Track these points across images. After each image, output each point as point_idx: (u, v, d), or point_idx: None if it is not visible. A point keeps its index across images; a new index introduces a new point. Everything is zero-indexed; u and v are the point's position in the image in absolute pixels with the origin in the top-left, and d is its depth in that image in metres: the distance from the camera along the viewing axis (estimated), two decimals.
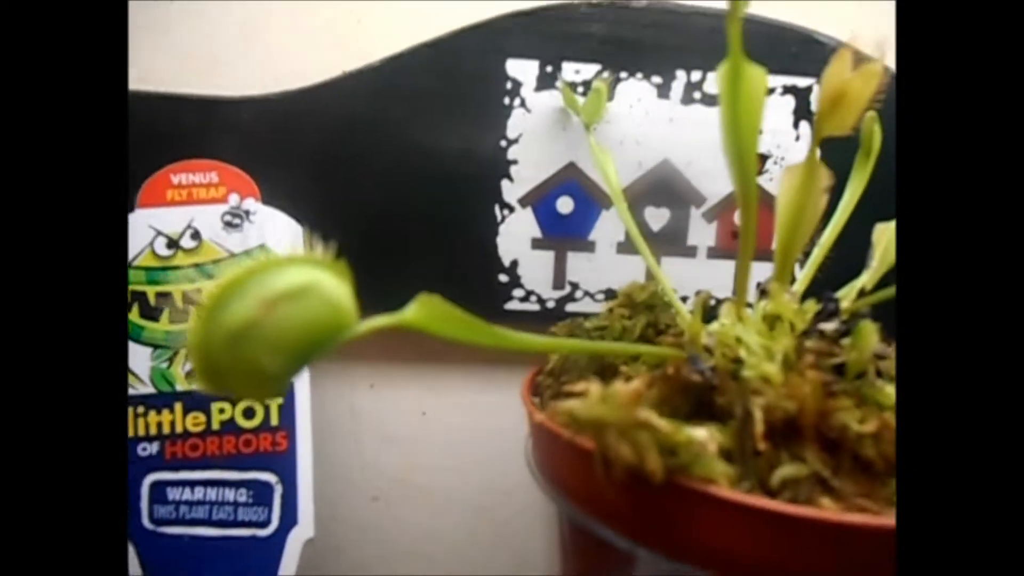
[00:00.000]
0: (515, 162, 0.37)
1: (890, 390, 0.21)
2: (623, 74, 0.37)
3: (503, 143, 0.37)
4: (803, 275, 0.28)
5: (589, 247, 0.38)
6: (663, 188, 0.38)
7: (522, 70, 0.37)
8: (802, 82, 0.37)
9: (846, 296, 0.26)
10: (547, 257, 0.38)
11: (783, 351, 0.22)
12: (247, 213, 0.36)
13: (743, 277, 0.23)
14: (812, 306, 0.23)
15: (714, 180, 0.38)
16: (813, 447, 0.21)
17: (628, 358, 0.27)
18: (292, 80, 0.37)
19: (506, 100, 0.37)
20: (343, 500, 0.44)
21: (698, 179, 0.38)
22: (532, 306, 0.39)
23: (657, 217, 0.38)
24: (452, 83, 0.36)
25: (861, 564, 0.18)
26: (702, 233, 0.38)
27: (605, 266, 0.38)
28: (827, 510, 0.18)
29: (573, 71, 0.37)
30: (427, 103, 0.37)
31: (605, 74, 0.37)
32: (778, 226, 0.23)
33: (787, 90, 0.37)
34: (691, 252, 0.39)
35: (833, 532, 0.17)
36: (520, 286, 0.38)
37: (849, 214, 0.28)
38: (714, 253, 0.39)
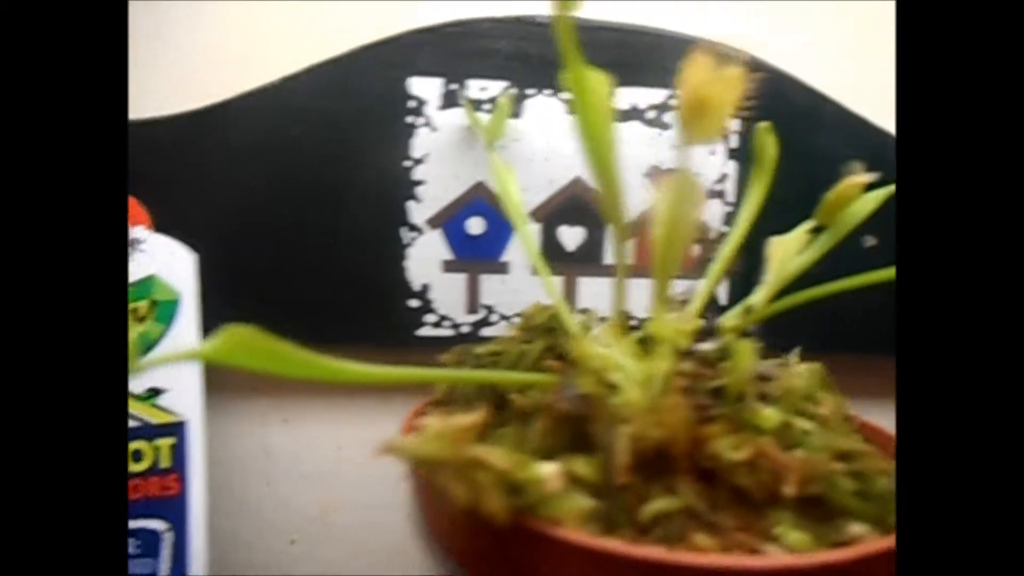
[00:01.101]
0: (421, 182, 0.36)
1: (769, 412, 0.20)
2: (531, 90, 0.36)
3: (408, 163, 0.36)
4: (700, 291, 0.26)
5: (503, 268, 0.37)
6: (576, 206, 0.37)
7: (426, 88, 0.35)
8: None
9: (737, 314, 0.24)
10: (459, 280, 0.37)
11: (661, 375, 0.20)
12: (136, 242, 0.34)
13: (620, 294, 0.22)
14: (695, 325, 0.22)
15: (630, 196, 0.37)
16: (687, 479, 0.19)
17: (522, 386, 0.26)
18: (183, 102, 0.35)
19: (409, 119, 0.35)
20: (259, 544, 0.41)
21: None
22: (446, 331, 0.37)
23: (572, 236, 0.37)
24: (353, 102, 0.35)
25: None
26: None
27: (521, 288, 0.37)
28: (682, 550, 0.17)
29: (479, 88, 0.36)
30: (327, 123, 0.35)
31: (512, 91, 0.36)
32: (653, 241, 0.22)
33: None
34: (609, 271, 0.37)
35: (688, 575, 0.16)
36: (432, 311, 0.37)
37: (748, 227, 0.27)
38: (633, 271, 0.37)
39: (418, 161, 0.36)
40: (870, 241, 0.38)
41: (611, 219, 0.20)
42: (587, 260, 0.37)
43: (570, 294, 0.37)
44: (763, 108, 0.37)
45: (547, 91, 0.36)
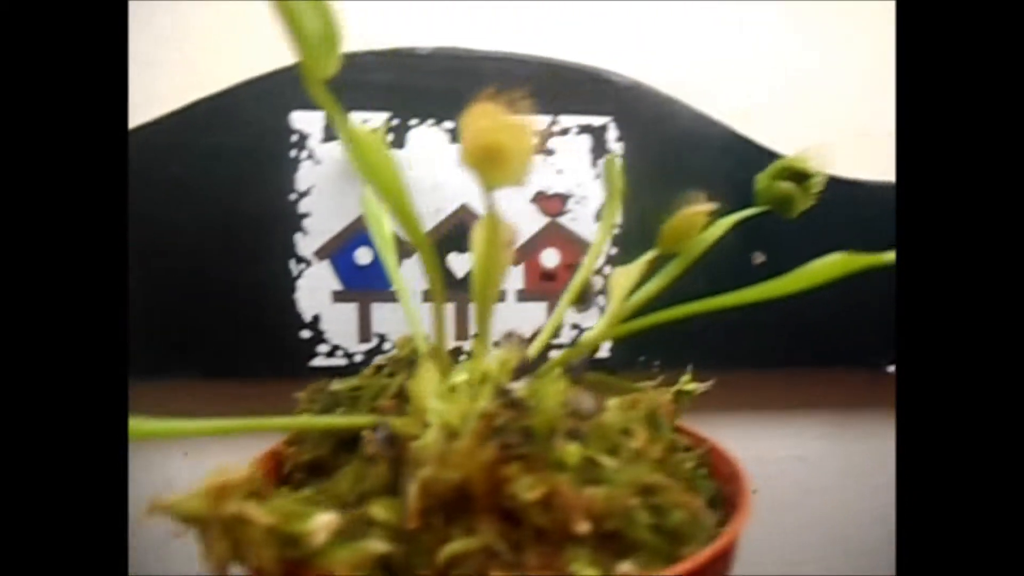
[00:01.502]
0: (307, 215, 0.36)
1: (571, 449, 0.20)
2: (414, 121, 0.36)
3: (293, 196, 0.36)
4: (548, 325, 0.27)
5: (393, 297, 0.37)
6: (464, 233, 0.37)
7: (308, 121, 0.36)
8: (596, 121, 0.37)
9: (566, 351, 0.25)
10: (350, 310, 0.37)
11: (470, 415, 0.20)
12: None
13: (439, 328, 0.22)
14: (513, 363, 0.22)
15: (517, 222, 0.37)
16: (488, 519, 0.19)
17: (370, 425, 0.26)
18: None
19: (293, 152, 0.36)
20: None
21: None
22: (339, 361, 0.37)
23: (460, 263, 0.37)
24: (236, 137, 0.35)
25: None
26: (510, 276, 0.38)
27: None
28: None
29: (361, 120, 0.36)
30: (210, 158, 0.35)
31: (394, 122, 0.36)
32: (472, 282, 0.22)
33: (583, 129, 0.37)
34: (499, 296, 0.38)
35: None
36: (324, 341, 0.37)
37: (596, 258, 0.28)
38: (524, 296, 0.38)
39: (303, 194, 0.36)
40: (759, 258, 0.39)
41: (421, 253, 0.21)
42: None
43: (462, 321, 0.38)
44: (650, 132, 0.38)
45: (430, 121, 0.36)
